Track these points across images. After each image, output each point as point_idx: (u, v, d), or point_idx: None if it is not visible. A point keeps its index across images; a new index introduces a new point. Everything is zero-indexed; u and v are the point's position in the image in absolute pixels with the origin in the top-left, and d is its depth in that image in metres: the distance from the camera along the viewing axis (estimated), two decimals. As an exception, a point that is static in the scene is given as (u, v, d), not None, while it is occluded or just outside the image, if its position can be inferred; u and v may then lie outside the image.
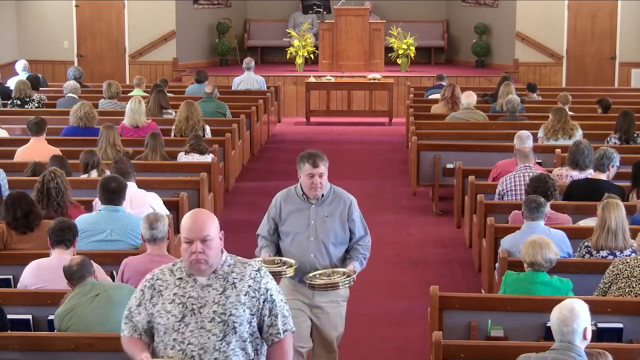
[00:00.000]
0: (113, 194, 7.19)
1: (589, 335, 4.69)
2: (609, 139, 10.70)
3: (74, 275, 5.73)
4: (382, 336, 7.60)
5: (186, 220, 4.34)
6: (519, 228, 7.26)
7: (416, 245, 9.97)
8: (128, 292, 5.71)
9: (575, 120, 11.04)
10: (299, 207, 6.05)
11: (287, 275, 5.87)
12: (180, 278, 4.36)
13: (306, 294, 6.00)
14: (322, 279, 5.85)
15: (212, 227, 4.31)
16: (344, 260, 6.07)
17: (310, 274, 5.88)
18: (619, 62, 19.09)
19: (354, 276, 5.89)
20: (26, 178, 8.73)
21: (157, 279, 4.38)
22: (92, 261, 5.91)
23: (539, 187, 7.59)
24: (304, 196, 6.04)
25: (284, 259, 5.99)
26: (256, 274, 4.37)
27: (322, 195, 6.01)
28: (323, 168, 5.96)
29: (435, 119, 12.65)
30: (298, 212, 6.04)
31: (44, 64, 18.97)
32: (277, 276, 5.72)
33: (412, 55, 18.57)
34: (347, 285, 5.91)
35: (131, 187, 7.77)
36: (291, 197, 6.11)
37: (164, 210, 7.93)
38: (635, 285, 6.19)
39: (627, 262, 6.28)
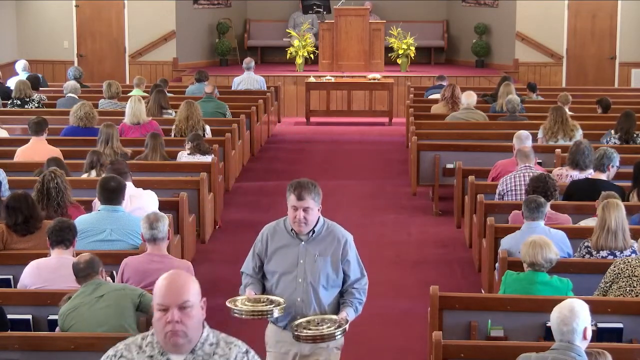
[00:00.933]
0: (112, 193, 7.20)
1: (589, 335, 4.70)
2: (608, 138, 10.70)
3: (80, 272, 5.74)
4: (382, 336, 7.59)
5: (161, 283, 3.57)
6: (519, 228, 7.26)
7: (416, 245, 9.97)
8: (130, 295, 5.72)
9: (575, 120, 11.04)
10: (287, 243, 5.31)
11: (275, 316, 5.17)
12: (151, 356, 3.58)
13: (295, 345, 5.30)
14: (309, 330, 5.10)
15: (193, 291, 3.55)
16: (337, 305, 5.36)
17: (297, 322, 5.16)
18: (619, 62, 19.10)
19: (346, 326, 5.18)
20: (26, 178, 8.74)
21: (120, 356, 3.65)
22: (98, 259, 5.87)
23: (539, 187, 7.60)
24: (292, 231, 5.30)
25: (271, 297, 5.26)
26: (243, 357, 3.63)
27: (313, 231, 5.28)
28: (310, 202, 5.20)
29: (435, 119, 12.65)
30: (286, 249, 5.31)
31: (44, 64, 18.97)
32: (263, 316, 5.17)
33: (412, 55, 18.57)
34: (338, 337, 5.17)
35: (129, 186, 7.79)
36: (279, 231, 5.36)
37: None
38: (637, 284, 6.19)
39: (629, 262, 6.28)
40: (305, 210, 5.20)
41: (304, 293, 5.25)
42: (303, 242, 5.30)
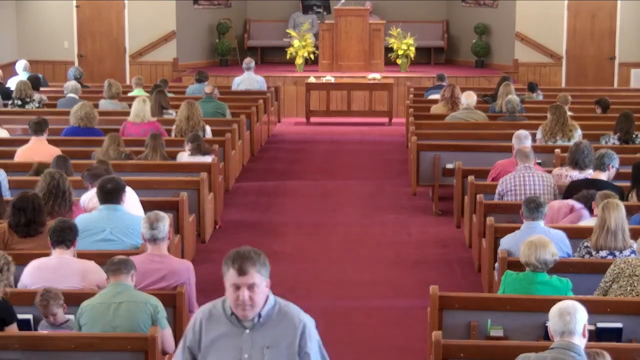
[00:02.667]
0: (109, 195, 7.23)
1: (586, 333, 4.71)
2: (607, 139, 10.69)
3: (111, 266, 5.81)
4: (382, 336, 7.60)
5: None
6: (518, 228, 7.28)
7: (416, 245, 9.97)
8: (149, 311, 5.72)
9: (575, 120, 11.04)
10: (226, 332, 4.13)
11: None
12: None
13: None
14: None
15: None
16: None
17: None
18: (618, 62, 19.10)
19: None
20: (26, 178, 8.75)
21: None
22: (133, 263, 5.90)
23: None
24: (233, 316, 4.13)
25: None
26: None
27: (260, 315, 4.12)
28: (256, 276, 4.04)
29: (435, 119, 12.65)
30: (225, 340, 4.12)
31: (44, 64, 18.97)
32: None
33: (412, 55, 18.58)
34: None
35: None
36: (216, 316, 4.17)
37: (139, 206, 8.00)
38: (637, 284, 6.20)
39: (629, 262, 6.29)
40: (250, 288, 4.04)
41: None
42: (247, 330, 4.12)
